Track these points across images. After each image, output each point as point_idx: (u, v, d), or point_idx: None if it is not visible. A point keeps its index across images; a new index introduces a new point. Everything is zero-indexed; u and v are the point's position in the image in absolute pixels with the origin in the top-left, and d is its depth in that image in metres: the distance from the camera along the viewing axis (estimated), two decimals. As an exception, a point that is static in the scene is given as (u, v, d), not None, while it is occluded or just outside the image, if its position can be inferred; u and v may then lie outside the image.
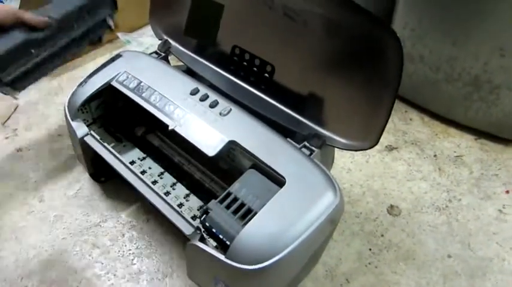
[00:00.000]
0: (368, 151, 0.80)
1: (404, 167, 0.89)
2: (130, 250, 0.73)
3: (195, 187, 0.74)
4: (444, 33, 0.88)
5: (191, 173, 0.76)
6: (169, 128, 0.65)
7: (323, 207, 0.57)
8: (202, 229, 0.59)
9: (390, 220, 0.79)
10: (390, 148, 0.93)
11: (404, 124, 0.99)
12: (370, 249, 0.74)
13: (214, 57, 0.77)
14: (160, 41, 0.82)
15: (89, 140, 0.71)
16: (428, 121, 0.99)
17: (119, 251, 0.73)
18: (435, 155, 0.91)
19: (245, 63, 0.72)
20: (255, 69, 0.71)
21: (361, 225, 0.78)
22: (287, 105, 0.69)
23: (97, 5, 0.79)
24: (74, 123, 0.73)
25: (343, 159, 0.90)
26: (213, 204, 0.59)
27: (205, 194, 0.73)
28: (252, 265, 0.53)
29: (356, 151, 0.63)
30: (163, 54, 0.80)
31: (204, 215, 0.59)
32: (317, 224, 0.55)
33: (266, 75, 0.70)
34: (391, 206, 0.81)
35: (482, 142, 0.94)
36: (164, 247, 0.74)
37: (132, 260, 0.72)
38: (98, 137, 0.71)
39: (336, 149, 0.68)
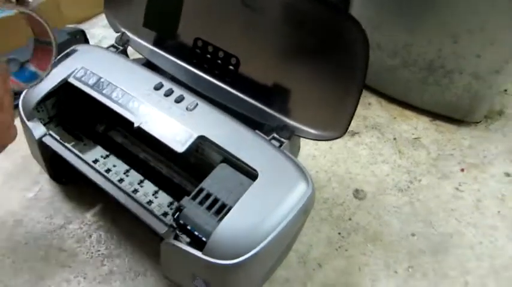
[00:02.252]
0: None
1: (366, 151, 0.92)
2: (99, 251, 0.71)
3: (163, 183, 0.72)
4: (400, 22, 0.91)
5: (158, 170, 0.74)
6: (135, 125, 0.63)
7: (296, 198, 0.57)
8: (176, 227, 0.58)
9: (356, 203, 0.82)
10: (352, 133, 0.95)
11: (364, 109, 1.02)
12: (339, 233, 0.77)
13: (176, 50, 0.75)
14: (117, 34, 0.79)
15: (47, 140, 0.68)
16: (386, 105, 1.03)
17: (87, 253, 0.71)
18: (395, 138, 0.95)
19: (209, 55, 0.71)
20: (219, 61, 0.70)
21: (329, 210, 0.80)
22: (254, 98, 0.69)
23: None
24: (30, 124, 0.69)
25: (307, 146, 0.91)
26: (186, 201, 0.58)
27: (174, 190, 0.71)
28: (230, 259, 0.54)
29: (325, 140, 0.64)
30: (121, 48, 0.77)
31: (178, 213, 0.58)
32: (292, 215, 0.56)
33: (231, 67, 0.69)
34: (357, 190, 0.84)
35: (437, 123, 0.99)
36: (134, 245, 0.72)
37: (102, 261, 0.70)
38: (57, 137, 0.68)
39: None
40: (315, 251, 0.74)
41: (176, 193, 0.71)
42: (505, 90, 1.09)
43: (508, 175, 0.89)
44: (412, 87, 0.98)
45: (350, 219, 0.79)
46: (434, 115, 1.00)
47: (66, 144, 0.67)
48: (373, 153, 0.92)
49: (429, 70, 0.94)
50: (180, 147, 0.61)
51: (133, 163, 0.75)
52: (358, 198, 0.82)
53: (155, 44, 0.77)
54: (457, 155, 0.92)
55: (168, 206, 0.69)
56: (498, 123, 1.01)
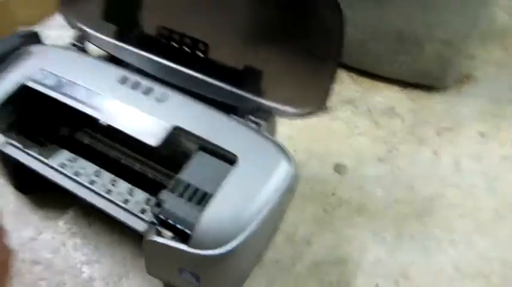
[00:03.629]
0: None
1: (342, 126, 0.91)
2: (76, 258, 0.68)
3: (137, 180, 0.68)
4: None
5: (131, 166, 0.70)
6: (101, 121, 0.60)
7: (280, 178, 0.55)
8: (157, 222, 0.55)
9: (338, 178, 0.81)
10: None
11: (336, 85, 1.00)
12: (323, 209, 0.76)
13: (140, 42, 0.71)
14: (74, 31, 0.74)
15: (8, 150, 0.63)
16: (357, 79, 1.02)
17: (64, 262, 0.67)
18: (369, 110, 0.94)
19: (175, 44, 0.67)
20: (186, 49, 0.67)
21: (311, 188, 0.78)
22: (226, 82, 0.66)
23: None
24: None
25: (282, 127, 0.88)
26: (164, 194, 0.55)
27: (150, 186, 0.68)
28: (217, 249, 0.51)
29: (304, 117, 0.62)
30: (80, 45, 0.73)
31: (157, 208, 0.55)
32: (277, 197, 0.54)
33: (200, 53, 0.66)
34: (337, 165, 0.83)
35: (409, 92, 0.99)
36: (113, 248, 0.69)
37: (81, 268, 0.67)
38: (19, 145, 0.63)
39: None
40: (302, 229, 0.72)
41: (152, 188, 0.67)
42: (472, 54, 1.10)
43: (482, 134, 0.90)
44: (383, 59, 0.98)
45: (333, 194, 0.78)
46: (406, 84, 1.00)
47: (28, 151, 0.63)
48: (349, 127, 0.91)
49: (399, 41, 0.93)
50: (154, 140, 0.58)
51: (104, 163, 0.71)
52: (339, 172, 0.82)
53: (117, 38, 0.72)
54: (432, 121, 0.92)
55: (146, 203, 0.66)
56: (468, 87, 1.02)
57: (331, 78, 0.57)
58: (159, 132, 0.58)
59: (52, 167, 0.62)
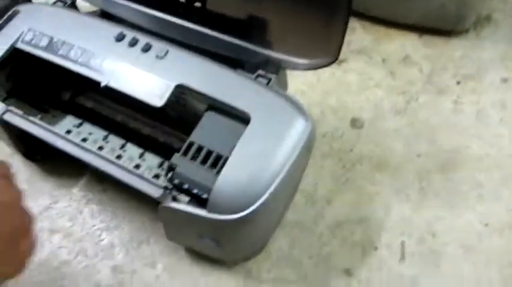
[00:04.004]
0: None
1: (356, 78, 0.86)
2: (94, 225, 0.66)
3: (147, 144, 0.66)
4: None
5: (139, 130, 0.67)
6: (102, 84, 0.56)
7: (297, 135, 0.52)
8: (172, 187, 0.53)
9: (355, 133, 0.77)
10: (339, 62, 0.88)
11: (347, 35, 0.94)
12: (343, 166, 0.73)
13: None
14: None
15: (9, 117, 0.60)
16: (370, 27, 0.96)
17: (82, 229, 0.66)
18: (383, 60, 0.89)
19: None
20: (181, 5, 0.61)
21: (329, 145, 0.75)
22: (229, 34, 0.60)
23: None
24: None
25: (293, 82, 0.83)
26: (177, 159, 0.52)
27: (161, 149, 0.65)
28: (237, 213, 0.49)
29: (316, 69, 0.57)
30: (69, 1, 0.68)
31: (171, 173, 0.52)
32: (295, 155, 0.51)
33: (197, 3, 0.61)
34: (354, 119, 0.79)
35: (426, 39, 0.93)
36: (131, 213, 0.67)
37: (100, 235, 0.65)
38: (20, 112, 0.60)
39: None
40: (322, 188, 0.70)
41: (164, 151, 0.64)
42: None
43: (504, 80, 0.85)
44: (396, 3, 0.91)
45: (352, 150, 0.75)
46: (422, 31, 0.94)
47: (31, 118, 0.60)
48: (363, 78, 0.86)
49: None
50: (157, 101, 0.54)
51: (111, 127, 0.68)
52: (356, 127, 0.78)
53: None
54: (451, 68, 0.87)
55: (159, 167, 0.63)
56: (488, 30, 0.95)
57: (344, 25, 0.53)
58: (162, 91, 0.54)
59: (57, 134, 0.59)
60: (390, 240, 0.65)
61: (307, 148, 0.54)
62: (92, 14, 0.70)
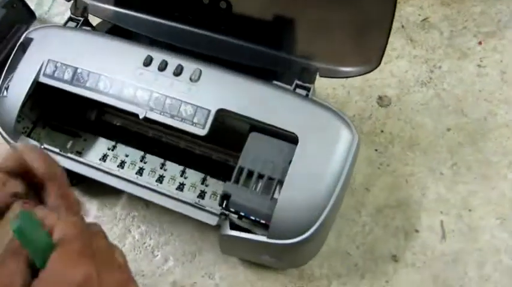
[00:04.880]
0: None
1: (376, 49, 0.84)
2: (145, 243, 0.68)
3: (186, 159, 0.66)
4: None
5: (175, 145, 0.67)
6: (140, 117, 0.55)
7: (345, 149, 0.52)
8: (227, 213, 0.54)
9: (383, 112, 0.77)
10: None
11: None
12: (376, 150, 0.74)
13: (149, 5, 0.62)
14: (70, 2, 0.64)
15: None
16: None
17: (134, 248, 0.68)
18: (402, 26, 0.86)
19: (191, 3, 0.58)
20: (205, 8, 0.58)
21: (359, 128, 0.75)
22: (260, 43, 0.58)
23: None
24: (18, 145, 0.60)
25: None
26: (229, 187, 0.53)
27: (200, 164, 0.65)
28: (297, 236, 0.51)
29: (355, 76, 0.56)
30: (81, 19, 0.64)
31: (225, 202, 0.53)
32: (346, 170, 0.52)
33: (221, 12, 0.58)
34: (380, 97, 0.78)
35: (442, -5, 0.89)
36: (178, 226, 0.69)
37: (153, 252, 0.67)
38: (56, 149, 0.59)
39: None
40: (358, 176, 0.71)
41: (203, 166, 0.65)
42: None
43: (526, 33, 0.84)
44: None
45: (382, 131, 0.75)
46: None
47: (63, 153, 0.59)
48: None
49: None
50: (201, 130, 0.54)
51: (144, 144, 0.67)
52: (383, 106, 0.78)
53: (121, 4, 0.63)
54: (471, 27, 0.85)
55: (202, 183, 0.64)
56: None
57: (387, 31, 0.51)
58: (204, 119, 0.54)
59: (94, 167, 0.58)
60: (430, 221, 0.68)
61: (355, 159, 0.54)
62: (104, 27, 0.66)
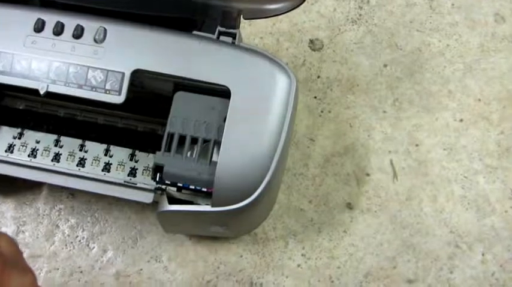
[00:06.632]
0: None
1: (300, -9, 0.79)
2: (77, 236, 0.60)
3: (107, 135, 0.58)
4: None
5: (93, 121, 0.58)
6: (41, 92, 0.46)
7: (284, 96, 0.47)
8: (165, 188, 0.48)
9: (317, 56, 0.72)
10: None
11: None
12: (315, 97, 0.69)
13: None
14: None
15: None
16: None
17: (65, 245, 0.60)
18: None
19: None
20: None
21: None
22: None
23: None
24: None
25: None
26: (160, 157, 0.46)
27: (125, 137, 0.57)
28: (245, 199, 0.46)
29: (281, 14, 0.50)
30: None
31: (158, 174, 0.47)
32: (288, 119, 0.47)
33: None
34: (311, 41, 0.73)
35: None
36: (113, 212, 0.61)
37: (88, 245, 0.60)
38: None
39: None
40: (300, 127, 0.67)
41: (129, 140, 0.57)
42: None
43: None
44: None
45: (319, 77, 0.71)
46: None
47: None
48: (308, -10, 0.79)
49: None
50: (117, 97, 0.46)
51: (57, 126, 0.58)
52: (316, 49, 0.73)
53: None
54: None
55: (131, 160, 0.56)
56: None
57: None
58: (118, 84, 0.46)
59: (3, 161, 0.50)
60: (379, 162, 0.65)
61: (295, 106, 0.49)
62: None
